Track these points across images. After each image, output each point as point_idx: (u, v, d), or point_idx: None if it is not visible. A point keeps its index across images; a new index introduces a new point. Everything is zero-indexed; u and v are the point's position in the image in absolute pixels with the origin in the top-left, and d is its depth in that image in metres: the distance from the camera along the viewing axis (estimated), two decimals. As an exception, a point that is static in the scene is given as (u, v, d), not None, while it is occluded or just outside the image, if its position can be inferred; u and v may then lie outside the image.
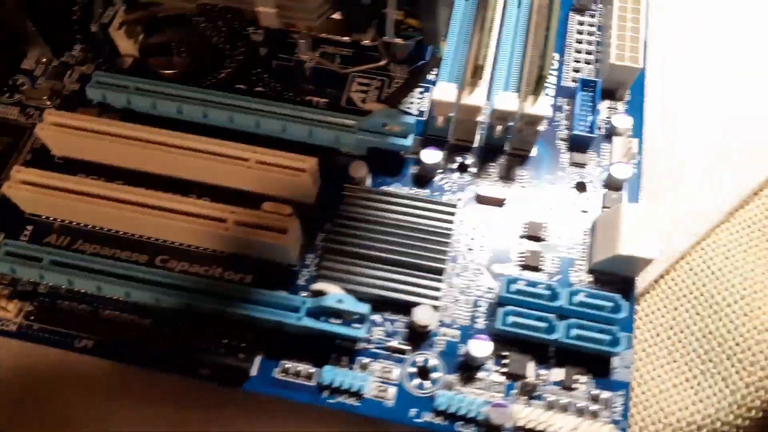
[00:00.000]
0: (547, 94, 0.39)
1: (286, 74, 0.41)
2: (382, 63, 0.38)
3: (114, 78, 0.39)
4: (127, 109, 0.39)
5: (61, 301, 0.35)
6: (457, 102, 0.35)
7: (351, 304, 0.32)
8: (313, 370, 0.33)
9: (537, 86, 0.34)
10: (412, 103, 0.39)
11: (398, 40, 0.37)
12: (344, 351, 0.33)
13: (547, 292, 0.32)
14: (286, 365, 0.33)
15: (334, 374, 0.32)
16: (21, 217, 0.38)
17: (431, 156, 0.36)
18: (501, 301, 0.33)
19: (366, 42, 0.38)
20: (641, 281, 0.36)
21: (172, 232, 0.36)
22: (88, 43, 0.43)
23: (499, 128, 0.36)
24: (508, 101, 0.34)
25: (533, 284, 0.32)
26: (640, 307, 0.36)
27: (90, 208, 0.36)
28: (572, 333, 0.31)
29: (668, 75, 0.42)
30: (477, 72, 0.34)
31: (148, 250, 0.36)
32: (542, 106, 0.34)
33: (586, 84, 0.38)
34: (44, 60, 0.43)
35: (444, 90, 0.35)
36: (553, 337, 0.31)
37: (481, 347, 0.31)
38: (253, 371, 0.33)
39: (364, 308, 0.32)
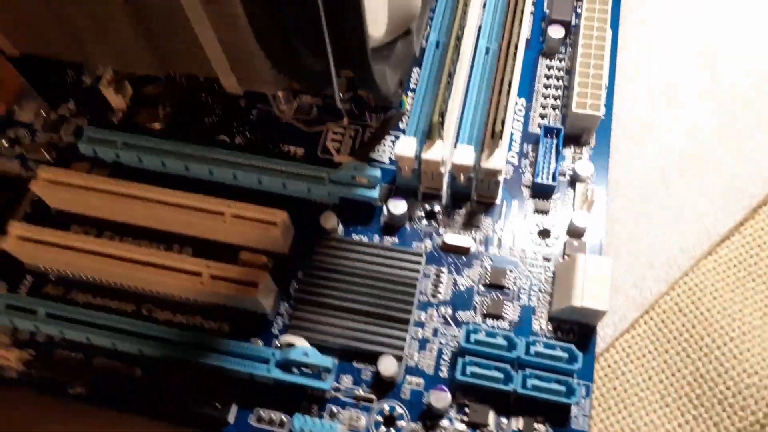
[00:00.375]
0: (512, 141, 0.40)
1: (265, 124, 0.43)
2: (345, 122, 0.40)
3: (103, 134, 0.41)
4: (117, 162, 0.41)
5: (57, 349, 0.38)
6: (419, 155, 0.36)
7: (316, 358, 0.33)
8: (286, 418, 0.34)
9: (492, 141, 0.35)
10: (384, 152, 0.41)
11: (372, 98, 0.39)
12: (315, 399, 0.35)
13: (504, 342, 0.33)
14: (261, 413, 0.35)
15: (303, 422, 0.34)
16: (21, 268, 0.40)
17: (397, 206, 0.37)
18: (461, 351, 0.34)
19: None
20: (622, 320, 0.37)
21: (155, 284, 0.38)
22: (80, 98, 0.45)
23: (461, 178, 0.37)
24: (465, 155, 0.35)
25: (492, 334, 0.34)
26: (632, 350, 0.37)
27: (81, 262, 0.38)
28: (528, 383, 0.32)
29: (653, 106, 0.43)
30: (433, 129, 0.35)
31: (135, 300, 0.39)
32: (497, 159, 0.35)
33: (548, 131, 0.38)
34: (43, 113, 0.46)
35: (405, 145, 0.36)
36: (510, 387, 0.32)
37: (439, 398, 0.33)
38: (231, 419, 0.35)
39: (327, 362, 0.33)
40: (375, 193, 0.38)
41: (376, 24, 0.31)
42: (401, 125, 0.41)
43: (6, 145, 0.44)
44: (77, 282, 0.39)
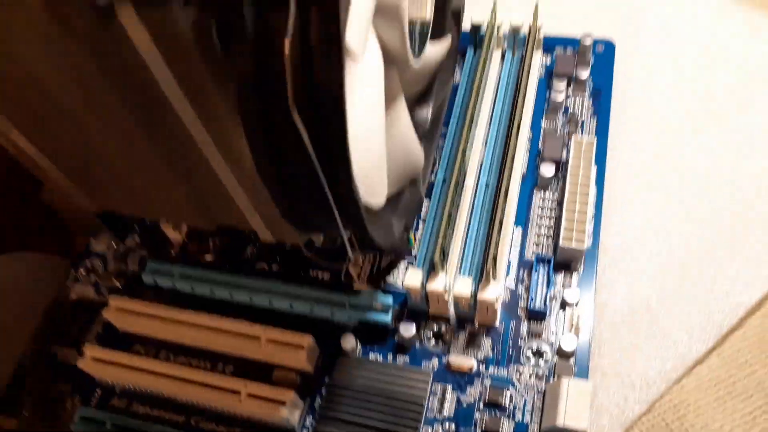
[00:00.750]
0: (510, 267, 0.45)
1: (297, 253, 0.49)
2: (360, 260, 0.46)
3: (162, 266, 0.49)
4: (173, 290, 0.49)
5: (120, 454, 0.44)
6: (425, 285, 0.42)
7: (332, 472, 0.38)
8: None
9: (486, 276, 0.40)
10: (398, 277, 0.46)
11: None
12: (334, 507, 0.39)
13: (499, 459, 0.37)
14: None
15: None
16: (93, 382, 0.47)
17: (407, 329, 0.43)
18: (461, 466, 0.38)
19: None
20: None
21: (202, 399, 0.44)
22: (143, 233, 0.53)
23: (463, 304, 0.42)
24: (464, 286, 0.40)
25: (488, 450, 0.38)
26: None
27: (142, 379, 0.45)
28: (518, 498, 0.36)
29: (637, 238, 0.47)
30: (436, 264, 0.40)
31: (185, 412, 0.45)
32: (491, 292, 0.40)
33: (540, 260, 0.43)
34: (113, 244, 0.54)
35: (413, 276, 0.42)
36: (502, 501, 0.36)
37: None
38: None
39: (342, 477, 0.38)
40: (388, 318, 0.43)
41: (374, 195, 0.37)
42: (414, 251, 0.47)
43: (84, 273, 0.53)
44: (138, 395, 0.46)
